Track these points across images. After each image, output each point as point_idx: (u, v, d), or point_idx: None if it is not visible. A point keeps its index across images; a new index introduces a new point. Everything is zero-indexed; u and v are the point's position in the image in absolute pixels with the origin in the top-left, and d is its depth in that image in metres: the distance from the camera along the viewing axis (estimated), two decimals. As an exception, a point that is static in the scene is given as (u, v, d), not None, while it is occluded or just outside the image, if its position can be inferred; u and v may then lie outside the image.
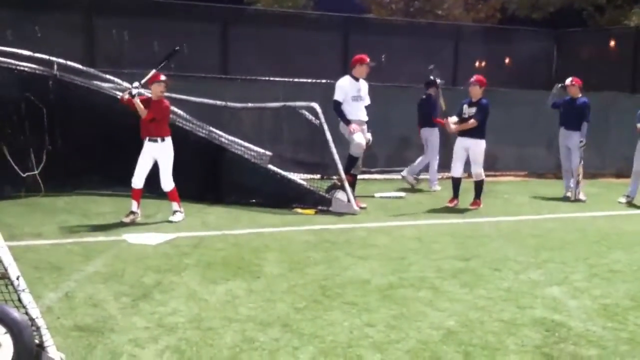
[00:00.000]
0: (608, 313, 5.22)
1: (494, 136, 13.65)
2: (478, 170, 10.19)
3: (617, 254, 7.36)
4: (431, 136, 12.26)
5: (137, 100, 8.21)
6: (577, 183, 11.33)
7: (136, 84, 8.33)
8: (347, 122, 9.65)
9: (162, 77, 8.46)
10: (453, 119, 10.25)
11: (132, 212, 8.36)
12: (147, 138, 8.35)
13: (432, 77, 11.04)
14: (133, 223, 8.26)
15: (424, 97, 12.28)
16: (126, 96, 8.31)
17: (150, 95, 8.58)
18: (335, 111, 9.75)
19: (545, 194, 12.11)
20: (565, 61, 17.82)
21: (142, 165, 8.39)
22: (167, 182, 8.45)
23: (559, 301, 5.51)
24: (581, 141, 11.23)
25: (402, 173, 12.51)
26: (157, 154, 8.38)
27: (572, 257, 7.08)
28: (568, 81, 11.41)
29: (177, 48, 8.51)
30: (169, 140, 8.41)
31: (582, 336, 4.68)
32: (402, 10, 25.40)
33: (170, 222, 8.40)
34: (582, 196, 11.30)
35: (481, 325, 4.87)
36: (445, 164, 12.34)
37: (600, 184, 13.49)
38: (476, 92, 10.14)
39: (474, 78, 10.36)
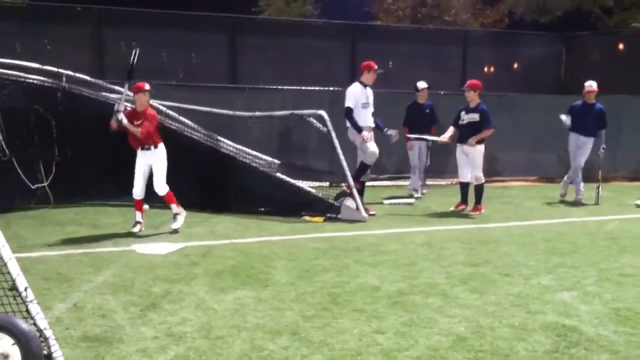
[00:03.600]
0: (620, 317, 5.17)
1: (503, 141, 13.67)
2: (477, 174, 10.17)
3: (628, 257, 7.30)
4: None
5: (127, 124, 8.13)
6: (598, 187, 11.43)
7: (117, 106, 8.17)
8: (359, 129, 9.62)
9: (147, 87, 8.40)
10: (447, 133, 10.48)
11: (138, 222, 8.38)
12: (140, 147, 8.34)
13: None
14: (140, 232, 8.28)
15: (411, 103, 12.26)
16: (115, 124, 8.16)
17: (133, 106, 8.50)
18: (347, 118, 9.70)
19: (555, 198, 12.04)
20: (574, 65, 17.77)
21: (140, 175, 8.39)
22: (161, 186, 8.38)
23: (569, 306, 5.47)
24: (603, 147, 11.27)
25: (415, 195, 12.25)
26: (152, 161, 8.36)
27: (583, 262, 7.03)
28: (594, 86, 11.34)
29: (135, 51, 8.30)
30: (161, 146, 8.40)
31: (594, 341, 4.63)
32: (410, 16, 25.42)
33: (174, 229, 8.34)
34: (581, 196, 11.34)
35: (491, 331, 4.83)
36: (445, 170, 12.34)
37: (612, 187, 13.40)
38: (472, 96, 10.20)
39: (467, 83, 10.41)
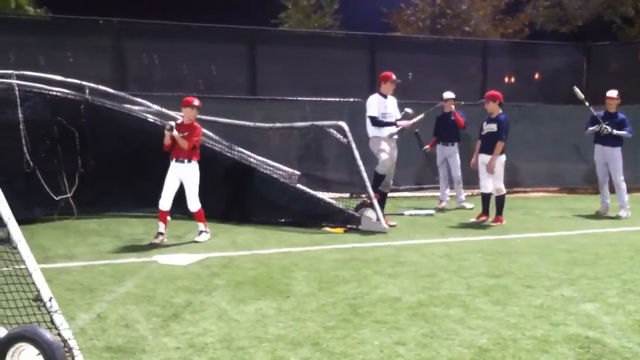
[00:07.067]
0: (643, 329, 5.12)
1: (523, 151, 13.61)
2: (498, 185, 10.14)
3: (651, 268, 7.23)
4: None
5: (177, 135, 8.36)
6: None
7: (168, 125, 8.44)
8: (393, 124, 9.80)
9: (196, 102, 8.58)
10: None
11: (160, 234, 8.45)
12: (175, 159, 8.44)
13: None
14: (162, 244, 8.34)
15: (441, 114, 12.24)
16: (168, 140, 8.38)
17: (181, 119, 8.75)
18: (376, 125, 9.79)
19: (577, 209, 11.95)
20: (594, 75, 17.63)
21: (169, 187, 8.47)
22: (194, 203, 8.53)
23: (592, 317, 5.42)
24: (608, 130, 11.00)
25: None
26: (183, 175, 8.46)
27: (605, 273, 6.97)
28: (614, 94, 11.23)
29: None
30: (195, 162, 8.50)
31: (617, 353, 4.59)
32: (429, 27, 25.41)
33: (196, 242, 8.49)
34: (622, 213, 11.11)
35: (514, 342, 4.80)
36: (471, 180, 12.21)
37: (633, 198, 13.22)
38: (492, 107, 10.18)
39: (486, 95, 10.39)
